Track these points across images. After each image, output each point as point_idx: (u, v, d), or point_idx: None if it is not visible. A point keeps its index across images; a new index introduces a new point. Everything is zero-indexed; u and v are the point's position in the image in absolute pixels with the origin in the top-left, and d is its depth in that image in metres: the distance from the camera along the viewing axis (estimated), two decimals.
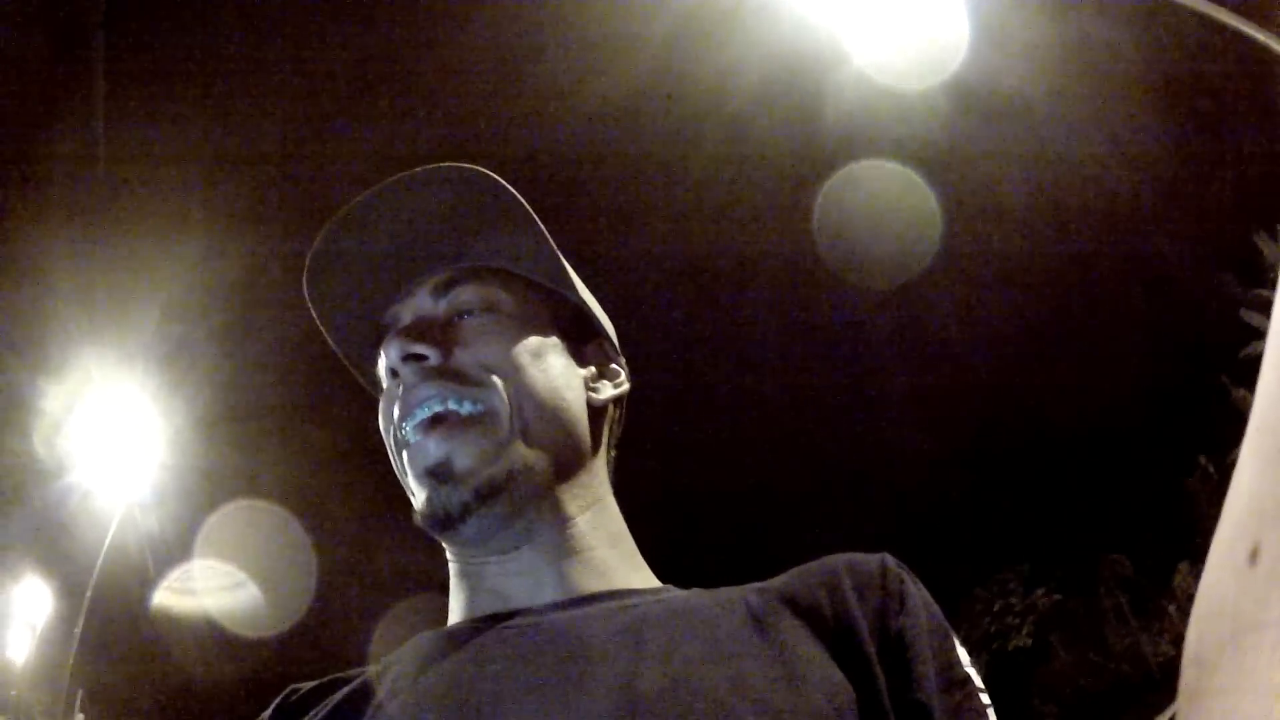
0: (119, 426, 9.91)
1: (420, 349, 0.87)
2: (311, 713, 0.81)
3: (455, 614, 0.90)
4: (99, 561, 8.75)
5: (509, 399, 0.87)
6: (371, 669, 0.83)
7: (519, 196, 0.92)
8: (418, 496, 0.86)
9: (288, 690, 0.86)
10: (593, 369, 0.95)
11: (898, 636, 0.76)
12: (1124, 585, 15.47)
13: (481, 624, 0.84)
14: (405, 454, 0.87)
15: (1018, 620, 19.73)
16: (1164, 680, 10.89)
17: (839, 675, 0.73)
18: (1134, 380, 13.42)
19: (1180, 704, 0.43)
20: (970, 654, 0.82)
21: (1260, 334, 11.41)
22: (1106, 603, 16.01)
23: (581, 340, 0.96)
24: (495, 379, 0.87)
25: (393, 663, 0.83)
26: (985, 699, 0.75)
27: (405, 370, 0.86)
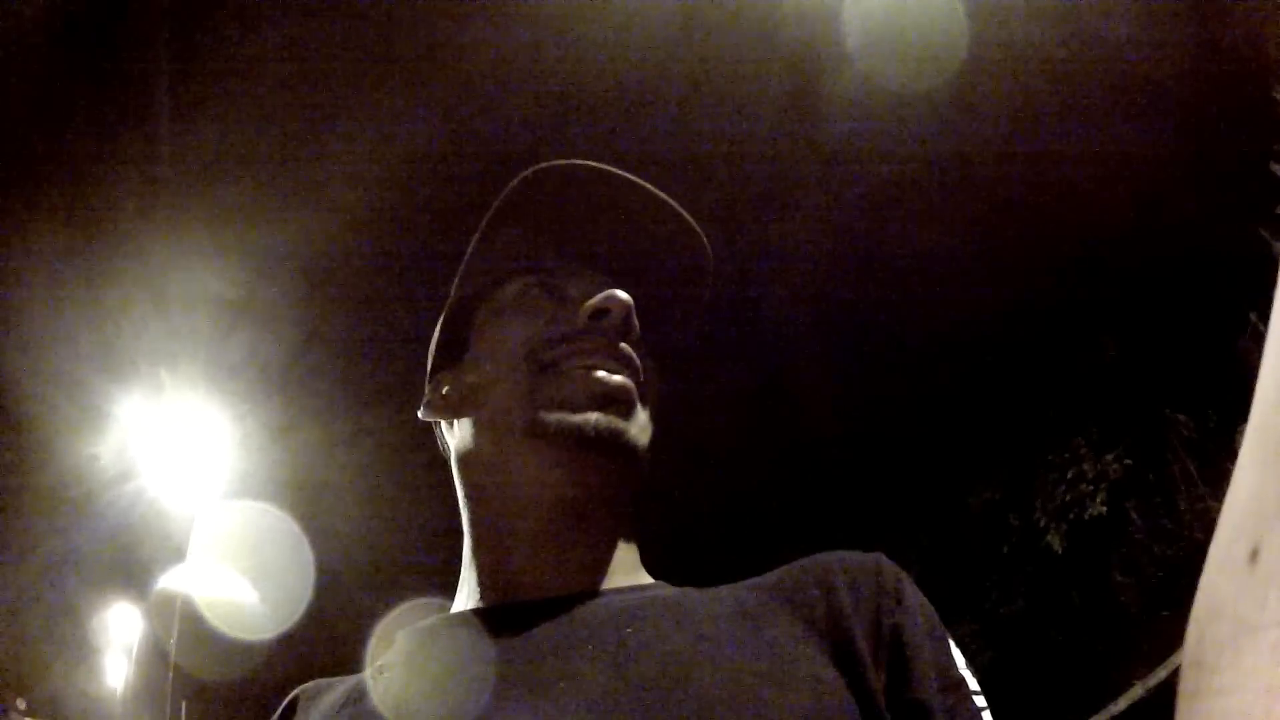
0: (191, 433, 10.23)
1: (635, 321, 0.92)
2: (316, 713, 0.86)
3: (460, 598, 0.95)
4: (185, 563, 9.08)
5: (651, 400, 0.94)
6: (372, 667, 0.88)
7: (710, 273, 0.98)
8: (575, 414, 0.87)
9: (295, 692, 0.91)
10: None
11: (894, 633, 0.78)
12: (1190, 448, 15.27)
13: (472, 617, 0.88)
14: (569, 373, 0.89)
15: (1091, 488, 19.61)
16: None
17: (830, 672, 0.76)
18: (1182, 241, 13.09)
19: (1179, 705, 0.44)
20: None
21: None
22: (1175, 467, 15.85)
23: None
24: (650, 390, 0.94)
25: (392, 660, 0.87)
26: (981, 701, 0.77)
27: (618, 321, 0.90)
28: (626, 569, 0.94)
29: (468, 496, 0.96)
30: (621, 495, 0.93)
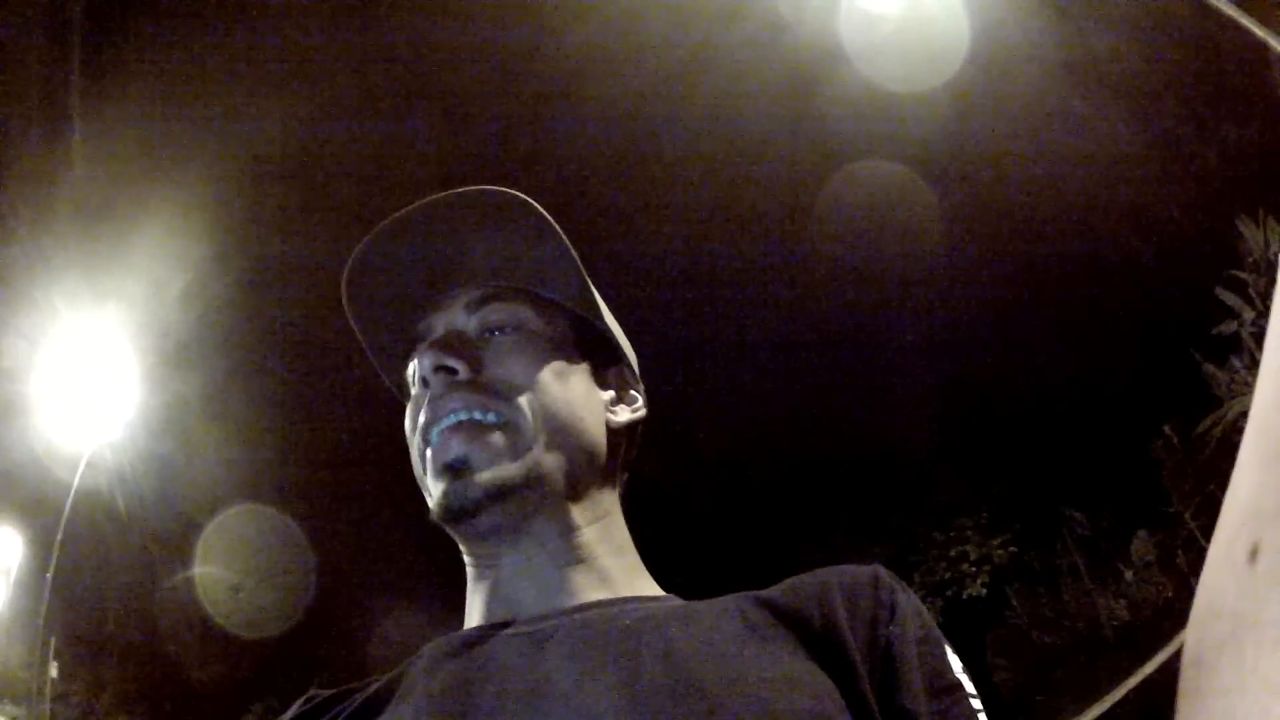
0: (88, 363, 9.72)
1: (452, 362, 0.90)
2: (329, 716, 0.82)
3: (470, 618, 0.92)
4: (67, 504, 8.68)
5: (531, 414, 0.90)
6: (388, 675, 0.85)
7: (554, 223, 0.93)
8: (434, 492, 0.88)
9: (307, 695, 0.88)
10: (613, 393, 0.98)
11: (886, 646, 0.77)
12: (1081, 545, 15.80)
13: (490, 630, 0.86)
14: (428, 453, 0.89)
15: (974, 569, 20.13)
16: (1118, 643, 11.18)
17: (828, 683, 0.75)
18: (1108, 349, 13.56)
19: (1180, 704, 0.43)
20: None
21: (1233, 313, 11.60)
22: (1063, 560, 16.38)
23: (604, 365, 0.98)
24: (520, 395, 0.90)
25: (407, 669, 0.84)
26: (976, 704, 0.76)
27: (435, 380, 0.89)
28: (628, 581, 0.92)
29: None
30: (543, 517, 0.90)
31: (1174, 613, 9.27)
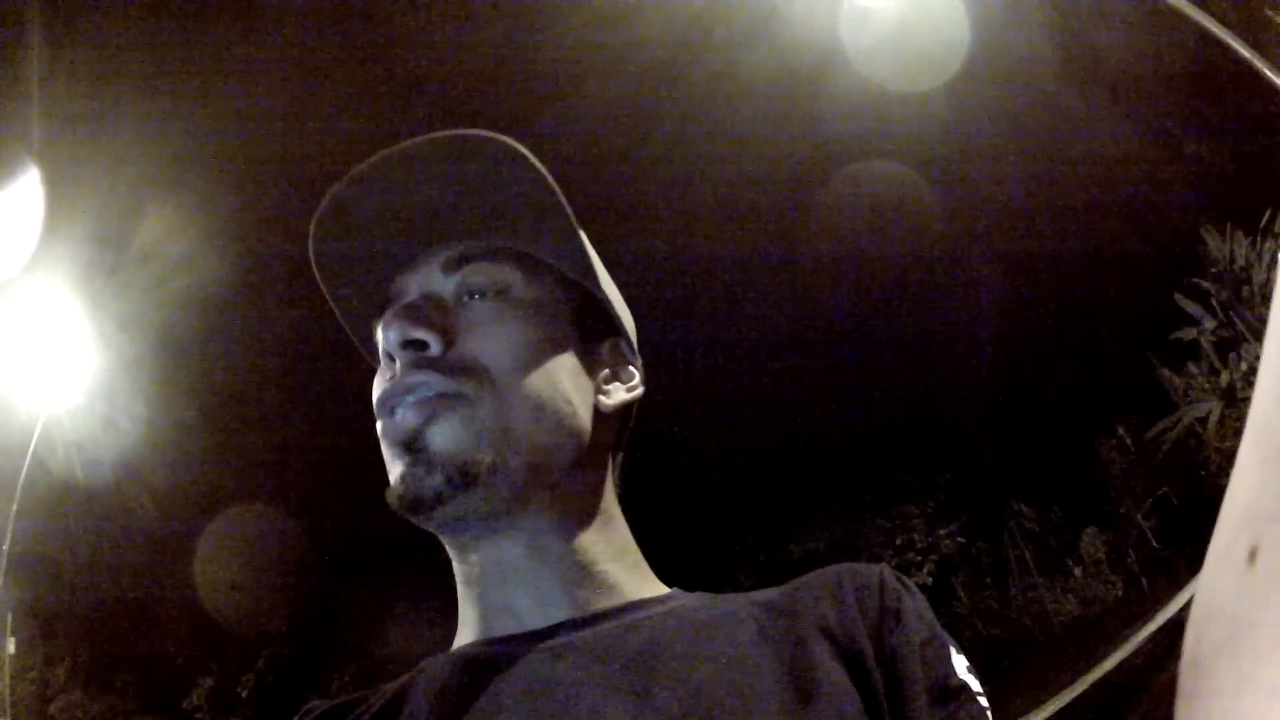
0: (42, 326, 9.46)
1: (420, 334, 0.83)
2: None
3: (465, 629, 0.88)
4: (22, 473, 8.49)
5: (508, 392, 0.83)
6: (388, 689, 0.83)
7: (547, 175, 0.86)
8: (391, 473, 0.83)
9: (306, 707, 0.85)
10: (606, 370, 0.92)
11: (892, 654, 0.77)
12: (1029, 539, 16.05)
13: (494, 646, 0.82)
14: (387, 430, 0.84)
15: (919, 558, 20.44)
16: (1067, 639, 11.40)
17: (849, 688, 0.75)
18: (1064, 346, 13.79)
19: (1178, 706, 0.43)
20: None
21: (1193, 320, 11.84)
22: (1011, 554, 16.64)
23: (598, 337, 0.92)
24: (497, 371, 0.83)
25: (409, 687, 0.81)
26: (984, 702, 0.77)
27: (402, 357, 0.83)
28: (632, 584, 0.89)
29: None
30: (520, 510, 0.85)
31: (1124, 611, 9.44)
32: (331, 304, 0.94)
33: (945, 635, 0.81)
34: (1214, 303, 10.29)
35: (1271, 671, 0.38)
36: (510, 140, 0.85)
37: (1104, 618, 10.72)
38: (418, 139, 0.85)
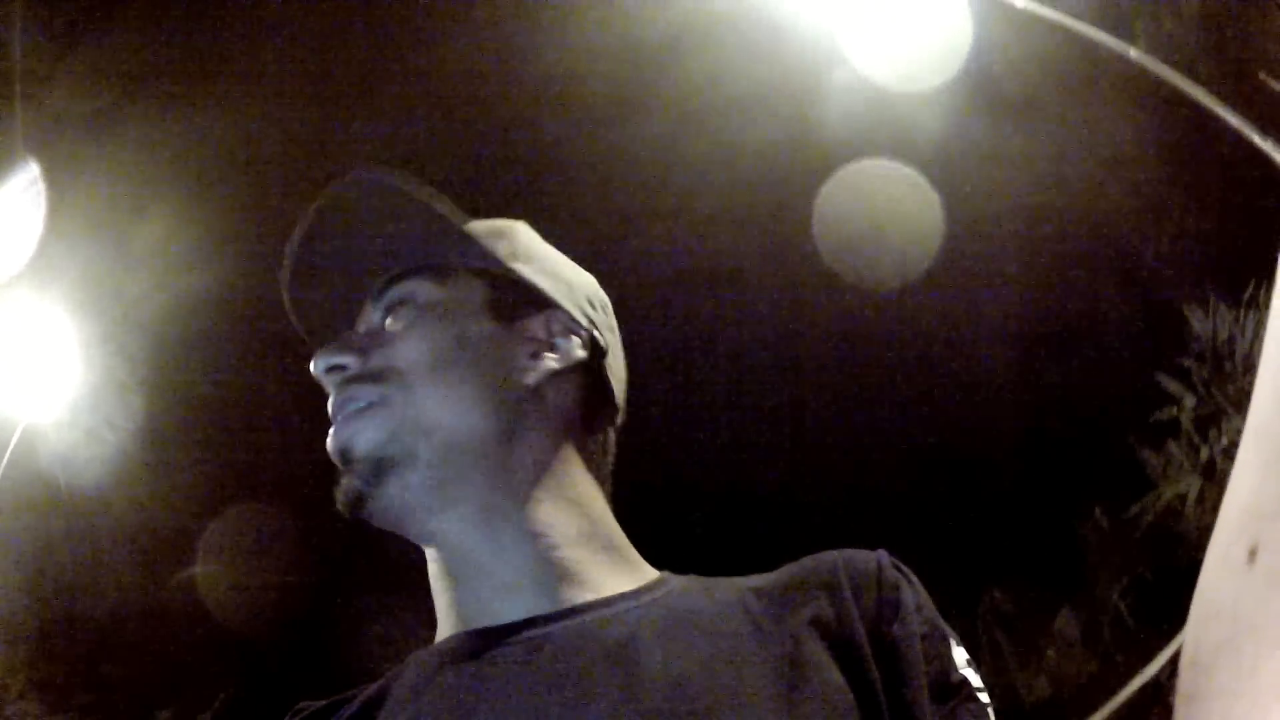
0: (28, 337, 9.39)
1: (338, 359, 0.93)
2: None
3: (442, 622, 0.91)
4: None
5: (414, 382, 0.90)
6: (374, 685, 0.86)
7: (415, 190, 0.93)
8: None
9: (295, 709, 0.89)
10: (534, 344, 0.97)
11: (891, 647, 0.79)
12: (1001, 621, 15.99)
13: (469, 641, 0.84)
14: None
15: None
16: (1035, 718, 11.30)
17: (841, 684, 0.76)
18: (1042, 427, 13.87)
19: (1179, 706, 0.44)
20: None
21: (1174, 400, 11.96)
22: (984, 636, 16.57)
23: (521, 316, 0.98)
24: (402, 369, 0.91)
25: (390, 681, 0.85)
26: (984, 698, 0.79)
27: (327, 381, 0.93)
28: (607, 568, 0.90)
29: None
30: (458, 497, 0.89)
31: (1097, 689, 9.39)
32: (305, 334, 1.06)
33: (946, 628, 0.83)
34: (1195, 380, 10.41)
35: (1272, 671, 0.38)
36: (378, 172, 0.93)
37: (1076, 697, 10.64)
38: (318, 201, 0.95)
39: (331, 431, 0.90)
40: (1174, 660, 7.45)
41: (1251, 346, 9.73)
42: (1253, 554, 0.41)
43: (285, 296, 0.98)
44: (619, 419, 1.03)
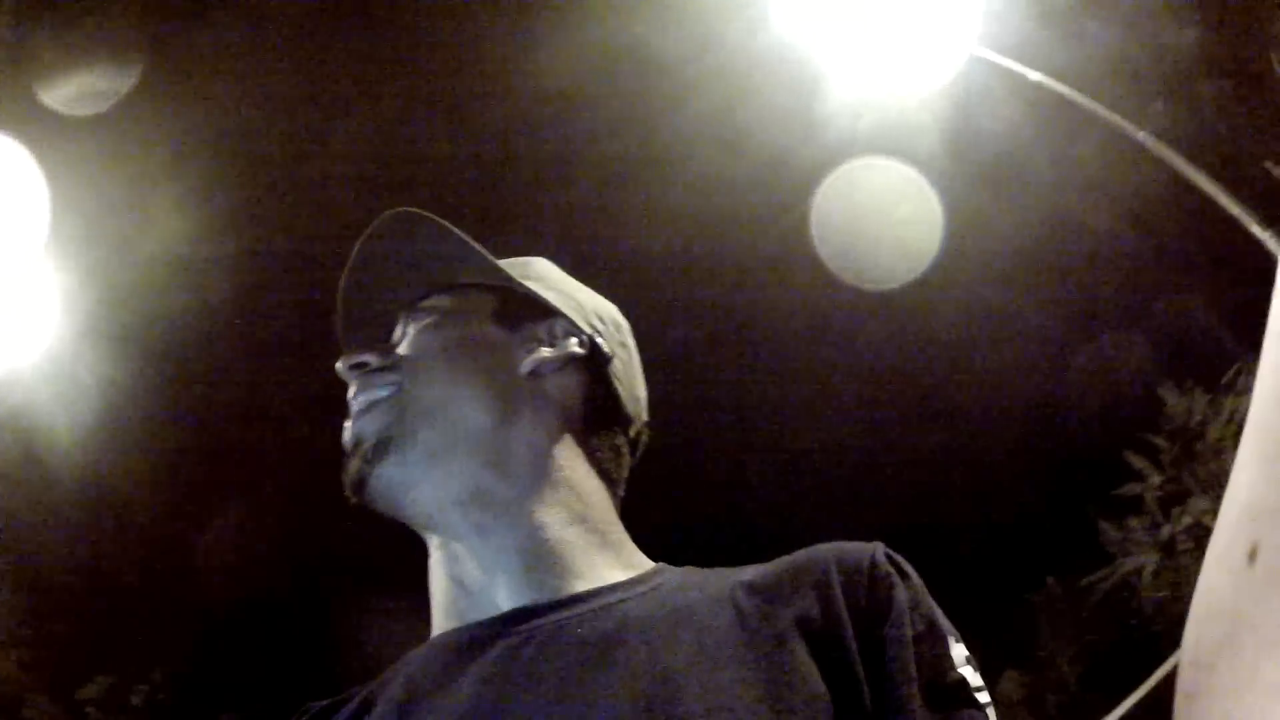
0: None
1: (360, 357, 0.95)
2: None
3: (436, 614, 0.91)
4: None
5: (418, 375, 0.93)
6: (374, 682, 0.86)
7: (439, 220, 0.99)
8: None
9: (302, 709, 0.87)
10: (533, 343, 0.97)
11: (880, 648, 0.75)
12: None
13: (460, 634, 0.84)
14: None
15: None
16: None
17: (822, 690, 0.73)
18: (1002, 494, 13.96)
19: (1179, 705, 0.43)
20: None
21: (1140, 476, 12.09)
22: None
23: (526, 321, 0.99)
24: (410, 363, 0.94)
25: (389, 678, 0.84)
26: (983, 698, 0.74)
27: (350, 378, 0.95)
28: (600, 559, 0.90)
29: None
30: (453, 484, 0.92)
31: None
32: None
33: (944, 625, 0.79)
34: (1163, 458, 10.53)
35: (1272, 669, 0.38)
36: (412, 210, 0.99)
37: None
38: (368, 234, 1.02)
39: (347, 424, 0.93)
40: None
41: (1225, 430, 9.84)
42: (1252, 554, 0.41)
43: (338, 316, 1.05)
44: (634, 430, 1.05)
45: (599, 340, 0.98)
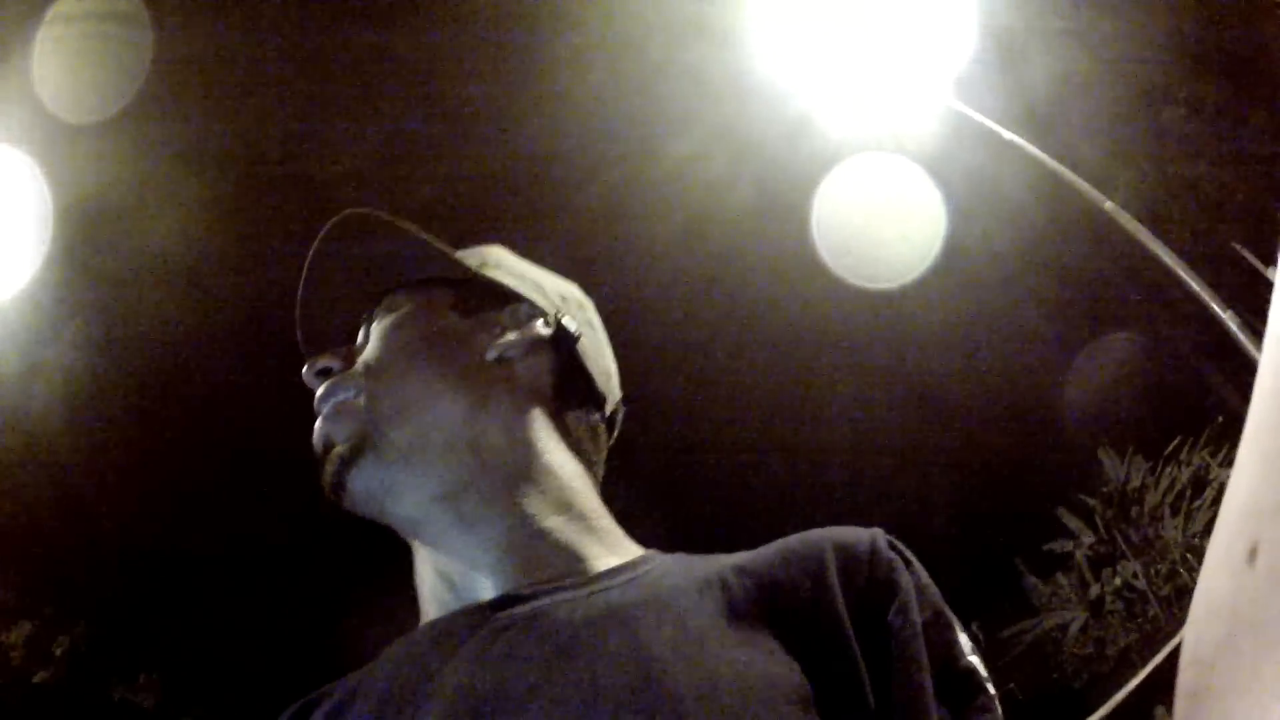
0: None
1: (324, 363, 0.94)
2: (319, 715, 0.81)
3: (423, 606, 0.91)
4: None
5: (381, 374, 0.92)
6: (357, 673, 0.85)
7: (387, 218, 1.00)
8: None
9: (298, 704, 0.86)
10: (497, 329, 0.97)
11: (886, 634, 0.74)
12: None
13: (443, 626, 0.84)
14: None
15: None
16: None
17: (819, 681, 0.72)
18: (937, 533, 14.00)
19: (1179, 704, 0.43)
20: None
21: (1072, 535, 12.16)
22: None
23: (486, 309, 0.99)
24: (372, 363, 0.93)
25: (372, 669, 0.84)
26: (990, 688, 0.73)
27: (316, 385, 0.93)
28: (584, 546, 0.89)
29: None
30: (433, 477, 0.91)
31: None
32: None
33: (949, 613, 0.76)
34: (1097, 519, 10.63)
35: (1272, 669, 0.37)
36: (361, 210, 1.00)
37: None
38: (320, 239, 1.01)
39: (315, 426, 0.92)
40: None
41: (1163, 499, 9.92)
42: (1252, 553, 0.40)
43: (297, 325, 1.04)
44: (609, 408, 1.05)
45: (564, 320, 0.98)
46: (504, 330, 0.96)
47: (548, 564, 0.85)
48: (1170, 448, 9.54)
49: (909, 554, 0.79)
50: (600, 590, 0.81)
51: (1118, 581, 9.61)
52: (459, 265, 0.99)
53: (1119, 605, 9.20)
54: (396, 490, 0.88)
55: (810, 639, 0.74)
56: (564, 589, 0.82)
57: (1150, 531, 9.15)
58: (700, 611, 0.77)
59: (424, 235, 1.00)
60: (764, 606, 0.77)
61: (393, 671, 0.80)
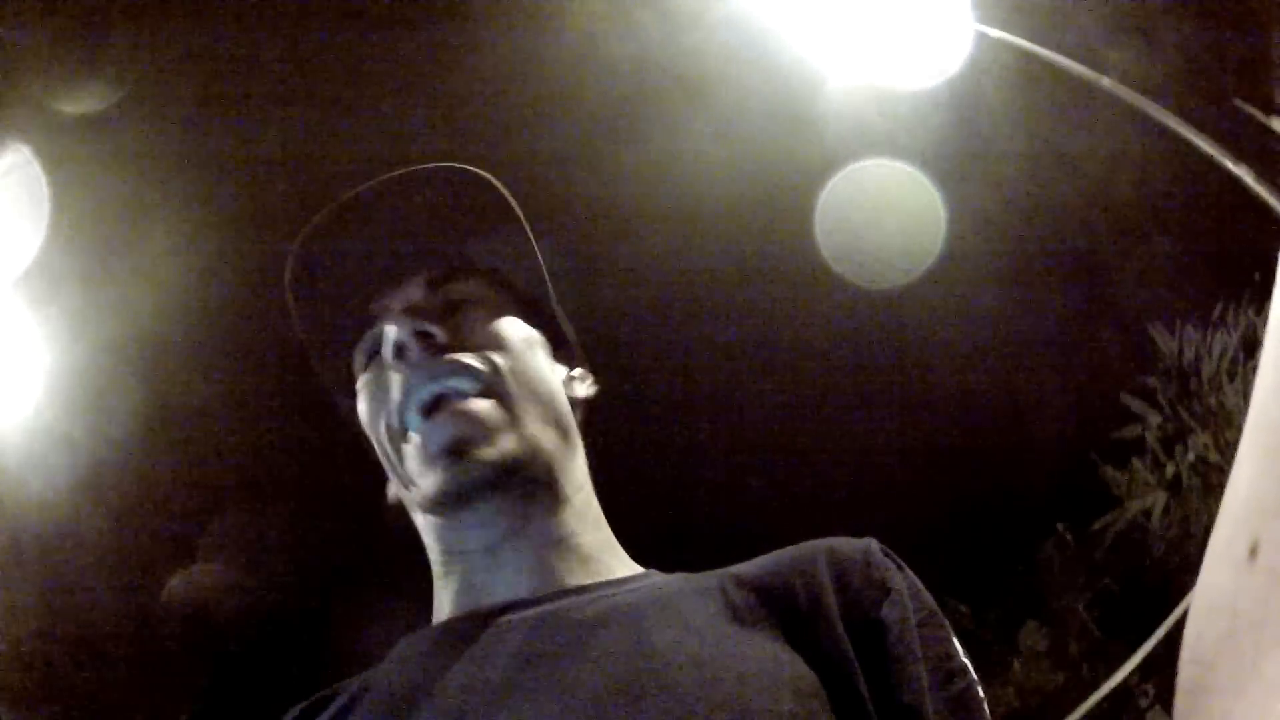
0: None
1: (430, 328, 0.89)
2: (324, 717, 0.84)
3: (440, 610, 0.93)
4: None
5: (514, 382, 0.91)
6: (367, 673, 0.87)
7: (512, 200, 0.97)
8: (426, 479, 0.87)
9: (305, 703, 0.88)
10: (570, 367, 1.03)
11: (878, 630, 0.76)
12: (965, 637, 16.07)
13: (462, 623, 0.86)
14: (410, 439, 0.89)
15: None
16: None
17: (811, 675, 0.73)
18: (1005, 452, 13.92)
19: (1179, 702, 0.44)
20: None
21: (1138, 418, 12.08)
22: None
23: (556, 344, 1.03)
24: (500, 362, 0.91)
25: (381, 666, 0.87)
26: (980, 692, 0.76)
27: (415, 348, 0.88)
28: (605, 560, 0.93)
29: (422, 534, 0.98)
30: (540, 491, 0.91)
31: (1065, 699, 9.48)
32: (300, 332, 0.99)
33: (941, 615, 0.80)
34: (1160, 399, 10.55)
35: (1272, 667, 0.37)
36: (476, 170, 0.96)
37: (1044, 707, 10.72)
38: (390, 175, 0.95)
39: (437, 419, 0.86)
40: (1141, 668, 7.42)
41: (1219, 366, 9.87)
42: (1253, 550, 0.40)
43: (297, 260, 0.95)
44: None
45: (597, 386, 1.03)
46: (575, 382, 1.03)
47: (570, 572, 0.89)
48: (1216, 313, 9.47)
49: (901, 562, 0.83)
50: (606, 595, 0.85)
51: (1191, 456, 9.54)
52: (545, 284, 1.01)
53: (1195, 480, 9.13)
54: (517, 513, 0.89)
55: (805, 636, 0.76)
56: (570, 594, 0.85)
57: (1212, 401, 9.06)
58: (701, 613, 0.80)
59: (530, 235, 0.98)
60: (761, 608, 0.79)
61: (400, 672, 0.83)
